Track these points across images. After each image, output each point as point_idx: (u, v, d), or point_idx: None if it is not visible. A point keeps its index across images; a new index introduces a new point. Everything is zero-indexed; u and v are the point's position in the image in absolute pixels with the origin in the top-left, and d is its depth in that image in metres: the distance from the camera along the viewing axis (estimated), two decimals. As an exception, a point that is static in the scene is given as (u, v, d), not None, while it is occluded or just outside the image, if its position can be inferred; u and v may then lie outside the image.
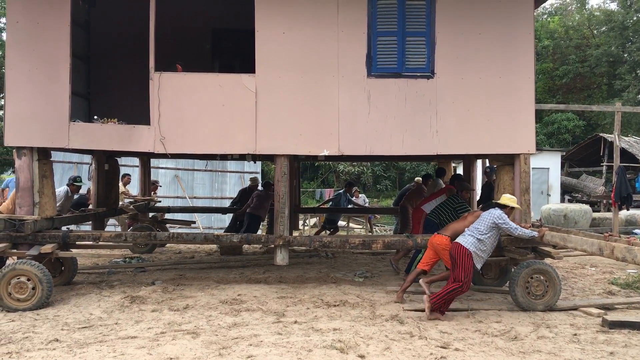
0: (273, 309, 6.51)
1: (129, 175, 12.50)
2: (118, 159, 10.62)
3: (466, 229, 6.43)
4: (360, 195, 17.16)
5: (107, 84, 9.03)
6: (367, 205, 17.13)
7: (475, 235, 6.28)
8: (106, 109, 8.14)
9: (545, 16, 39.52)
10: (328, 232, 13.29)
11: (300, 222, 17.69)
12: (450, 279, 6.25)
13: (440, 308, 6.17)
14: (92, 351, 4.97)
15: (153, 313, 6.29)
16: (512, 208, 6.60)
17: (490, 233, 6.31)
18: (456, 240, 6.33)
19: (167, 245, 11.74)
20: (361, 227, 18.47)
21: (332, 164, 25.94)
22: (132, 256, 10.13)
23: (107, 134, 7.27)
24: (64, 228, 7.85)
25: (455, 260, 6.18)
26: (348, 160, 20.55)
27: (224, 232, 11.73)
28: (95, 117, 7.57)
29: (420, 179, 11.40)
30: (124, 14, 8.71)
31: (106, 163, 9.83)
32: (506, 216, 6.40)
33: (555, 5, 40.35)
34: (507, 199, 6.65)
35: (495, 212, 6.36)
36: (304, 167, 28.88)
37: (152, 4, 7.15)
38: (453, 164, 13.98)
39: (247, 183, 14.66)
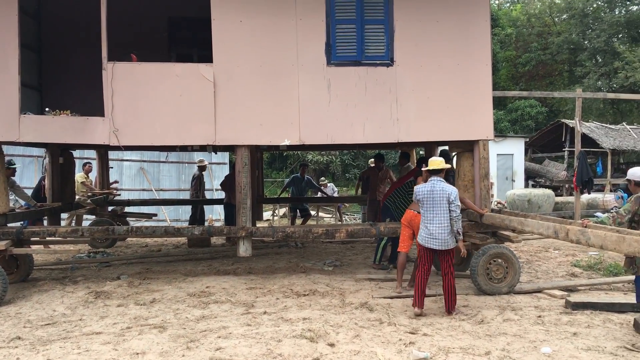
0: (242, 300, 6.48)
1: (90, 163, 12.21)
2: (81, 151, 10.35)
3: (439, 217, 5.86)
4: (329, 184, 17.15)
5: (60, 75, 8.79)
6: (336, 194, 17.13)
7: (449, 223, 5.90)
8: (59, 100, 7.94)
9: (508, 4, 40.03)
10: (301, 219, 13.26)
11: (269, 213, 17.63)
12: (448, 273, 5.94)
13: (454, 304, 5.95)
14: (56, 348, 4.88)
15: (118, 308, 6.21)
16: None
17: None
18: (441, 248, 5.88)
19: (134, 238, 11.56)
20: (331, 216, 18.49)
21: (300, 153, 25.84)
22: (97, 251, 9.94)
23: (60, 127, 7.07)
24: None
25: (448, 260, 5.95)
26: (310, 150, 20.44)
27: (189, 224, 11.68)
28: (47, 109, 7.34)
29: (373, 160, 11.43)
30: (76, 2, 8.44)
31: (61, 156, 9.57)
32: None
33: (517, -7, 40.88)
34: (439, 162, 6.08)
35: (453, 193, 5.87)
36: (273, 157, 28.71)
37: (104, -8, 6.95)
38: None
39: (217, 174, 14.50)
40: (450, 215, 5.86)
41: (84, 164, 11.85)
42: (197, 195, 12.41)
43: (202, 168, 12.50)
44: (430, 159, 6.19)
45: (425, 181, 6.26)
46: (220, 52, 7.23)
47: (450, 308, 5.91)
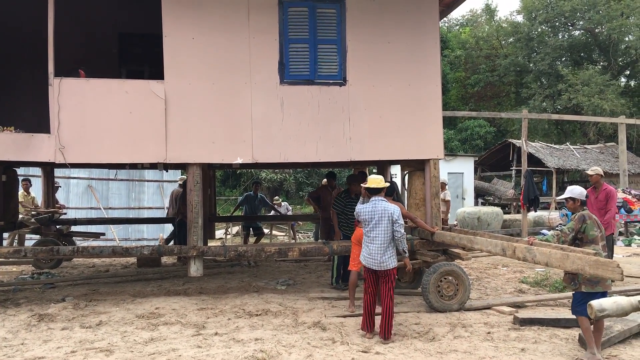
0: (193, 321, 6.34)
1: (27, 180, 11.69)
2: (26, 168, 9.95)
3: (381, 237, 5.69)
4: (283, 203, 17.07)
5: (4, 91, 8.48)
6: (290, 212, 17.06)
7: (390, 243, 5.77)
8: (3, 116, 7.63)
9: (457, 27, 41.30)
10: (254, 237, 13.11)
11: (222, 231, 17.40)
12: (387, 297, 5.73)
13: (391, 328, 5.70)
14: (-5, 374, 4.66)
15: (63, 331, 5.96)
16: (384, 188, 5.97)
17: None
18: (378, 269, 5.72)
19: (80, 259, 11.16)
20: (284, 234, 18.42)
21: (254, 171, 25.69)
22: (41, 272, 9.56)
23: (2, 143, 6.82)
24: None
25: (389, 283, 5.77)
26: (264, 167, 20.39)
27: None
28: (-11, 125, 7.07)
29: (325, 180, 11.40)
30: (22, 17, 8.22)
31: (3, 174, 9.20)
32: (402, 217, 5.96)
33: (466, 16, 42.33)
34: (379, 181, 5.92)
35: (396, 212, 5.72)
36: (226, 175, 28.45)
37: (51, 5, 6.78)
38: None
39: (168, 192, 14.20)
40: (394, 235, 5.71)
41: (21, 181, 11.38)
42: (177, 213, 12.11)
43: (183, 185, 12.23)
44: (369, 177, 6.06)
45: (366, 200, 6.11)
46: (172, 69, 7.14)
47: (386, 334, 5.61)
